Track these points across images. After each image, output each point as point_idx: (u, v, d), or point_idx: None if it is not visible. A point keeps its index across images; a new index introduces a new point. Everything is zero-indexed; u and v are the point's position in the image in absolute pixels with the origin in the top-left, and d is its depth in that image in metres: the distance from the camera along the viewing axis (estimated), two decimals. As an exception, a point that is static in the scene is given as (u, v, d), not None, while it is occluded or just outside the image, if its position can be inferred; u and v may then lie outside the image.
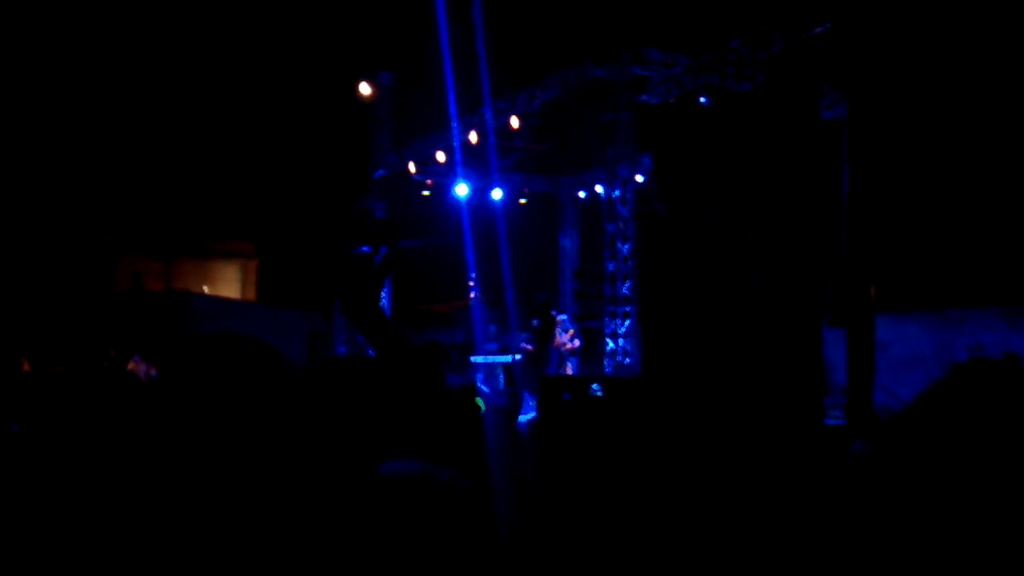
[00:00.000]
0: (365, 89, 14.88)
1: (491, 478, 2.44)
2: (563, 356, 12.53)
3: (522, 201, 14.81)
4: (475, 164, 13.70)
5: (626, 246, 11.00)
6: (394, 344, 2.42)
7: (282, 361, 1.88)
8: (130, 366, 9.59)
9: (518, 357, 12.42)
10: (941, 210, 9.85)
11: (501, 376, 12.09)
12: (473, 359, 12.45)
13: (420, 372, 2.41)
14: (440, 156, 13.44)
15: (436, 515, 1.60)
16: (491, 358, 12.40)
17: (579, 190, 14.99)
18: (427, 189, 14.52)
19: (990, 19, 9.19)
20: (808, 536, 1.98)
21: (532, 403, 10.23)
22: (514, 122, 11.83)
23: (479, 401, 3.00)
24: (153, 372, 10.67)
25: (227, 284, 28.78)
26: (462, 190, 13.82)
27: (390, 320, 2.66)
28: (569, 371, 12.38)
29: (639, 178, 11.06)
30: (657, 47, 10.48)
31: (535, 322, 12.35)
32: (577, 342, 12.69)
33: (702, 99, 9.83)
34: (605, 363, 11.56)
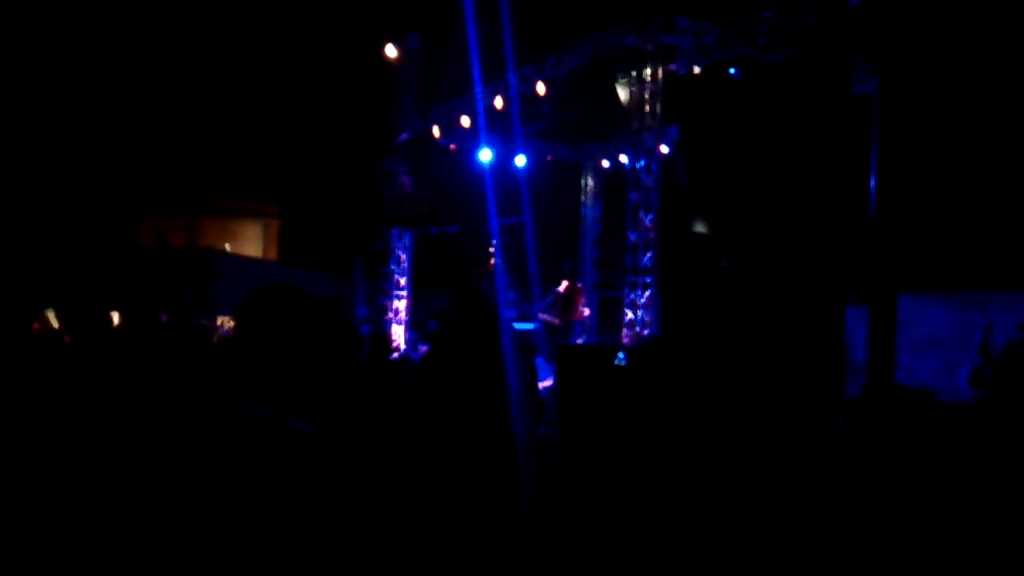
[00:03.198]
0: (391, 51, 14.81)
1: (514, 435, 2.48)
2: (578, 326, 12.58)
3: (548, 158, 14.76)
4: (499, 130, 13.64)
5: (649, 216, 10.95)
6: (481, 310, 2.50)
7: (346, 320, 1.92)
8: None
9: (537, 324, 12.46)
10: (969, 190, 9.74)
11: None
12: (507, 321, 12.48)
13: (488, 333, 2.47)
14: (465, 121, 13.39)
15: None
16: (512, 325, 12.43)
17: (603, 159, 14.90)
18: (451, 154, 14.50)
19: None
20: (803, 498, 1.99)
21: (549, 371, 10.28)
22: (540, 88, 11.75)
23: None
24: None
25: (249, 243, 29.02)
26: (486, 156, 13.78)
27: (479, 291, 2.76)
28: (579, 341, 12.42)
29: (664, 149, 10.97)
30: (688, 16, 10.35)
31: (559, 290, 12.37)
32: (586, 311, 12.71)
33: (731, 70, 9.73)
34: (623, 333, 11.56)
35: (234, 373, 1.76)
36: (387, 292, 15.66)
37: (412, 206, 15.01)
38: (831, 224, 8.18)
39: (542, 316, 12.37)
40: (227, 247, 26.51)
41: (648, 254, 10.99)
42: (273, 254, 29.36)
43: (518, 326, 12.44)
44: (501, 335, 2.70)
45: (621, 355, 8.14)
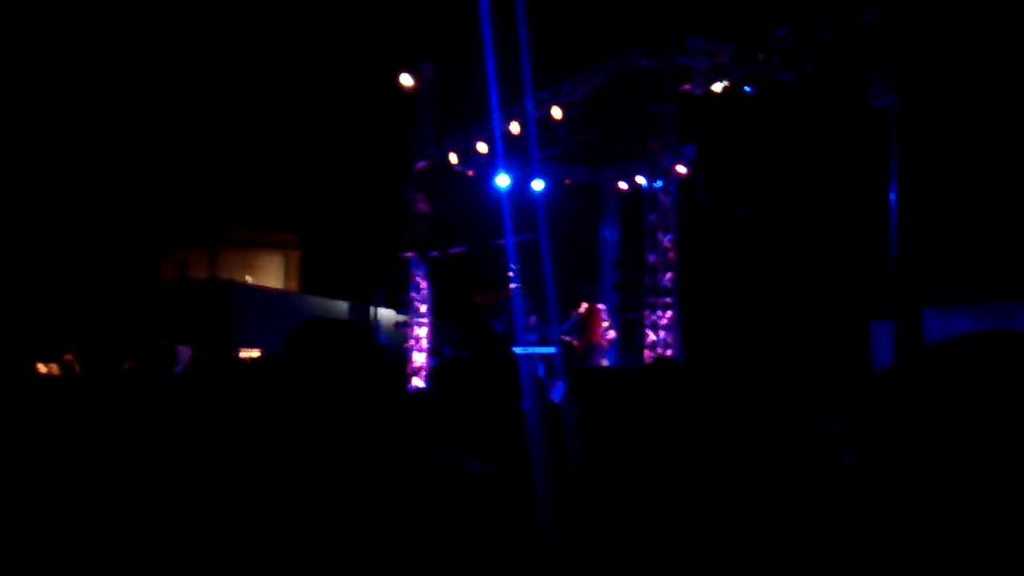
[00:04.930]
0: (407, 80, 14.94)
1: (532, 465, 2.46)
2: (601, 348, 12.52)
3: (566, 181, 14.82)
4: (516, 154, 13.69)
5: (667, 237, 10.92)
6: (484, 339, 2.48)
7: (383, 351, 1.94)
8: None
9: (557, 348, 12.43)
10: (991, 202, 9.66)
11: (541, 367, 12.10)
12: (513, 350, 12.43)
13: (503, 364, 2.45)
14: (481, 147, 13.45)
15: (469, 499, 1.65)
16: (531, 349, 12.42)
17: (621, 181, 14.91)
18: (468, 180, 14.57)
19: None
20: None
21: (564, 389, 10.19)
22: (556, 112, 11.80)
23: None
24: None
25: (270, 274, 29.18)
26: (503, 181, 13.82)
27: (484, 317, 2.73)
28: (604, 364, 12.37)
29: (682, 169, 10.96)
30: (702, 36, 10.38)
31: (579, 312, 12.36)
32: (612, 334, 12.66)
33: (747, 89, 9.73)
34: (645, 355, 11.50)
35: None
36: (408, 320, 15.67)
37: (414, 231, 15.08)
38: (853, 239, 8.13)
39: (564, 337, 12.35)
40: (248, 279, 26.67)
41: (668, 275, 10.95)
42: (294, 285, 29.51)
43: (539, 350, 12.42)
44: (513, 365, 2.69)
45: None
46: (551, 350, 12.46)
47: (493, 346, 2.84)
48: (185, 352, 12.30)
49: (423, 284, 15.56)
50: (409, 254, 15.58)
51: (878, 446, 1.74)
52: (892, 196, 8.04)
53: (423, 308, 15.54)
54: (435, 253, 14.82)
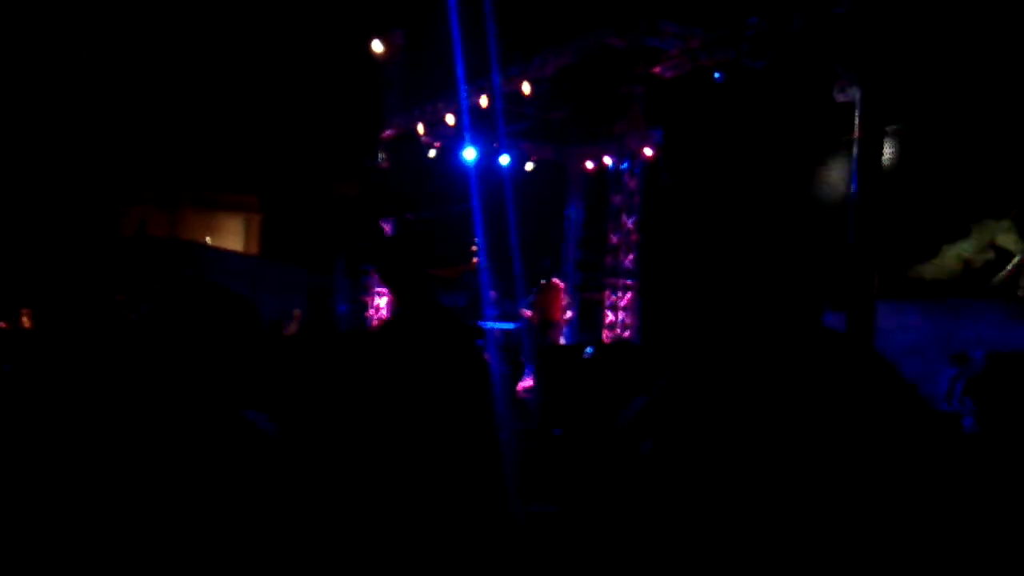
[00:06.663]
0: (377, 47, 14.78)
1: (501, 436, 2.48)
2: (559, 326, 12.60)
3: (528, 166, 14.79)
4: (484, 129, 13.64)
5: (631, 219, 10.99)
6: (426, 308, 2.47)
7: (258, 314, 1.91)
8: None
9: (519, 324, 12.49)
10: (946, 199, 9.85)
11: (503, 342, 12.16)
12: (477, 324, 12.47)
13: (449, 335, 2.45)
14: (449, 119, 13.39)
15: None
16: (493, 324, 12.46)
17: (587, 160, 14.93)
18: (434, 151, 14.50)
19: (1007, 8, 9.12)
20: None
21: (531, 370, 10.28)
22: (525, 88, 11.76)
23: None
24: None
25: (231, 236, 28.85)
26: (470, 154, 13.78)
27: (427, 287, 2.68)
28: (561, 341, 12.45)
29: (648, 151, 11.01)
30: (674, 20, 10.39)
31: (535, 289, 12.42)
32: (570, 313, 12.74)
33: (716, 75, 9.78)
34: (604, 335, 11.61)
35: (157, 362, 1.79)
36: (369, 289, 15.63)
37: (379, 196, 15.02)
38: (812, 228, 8.25)
39: (525, 312, 12.42)
40: (208, 240, 26.37)
41: (630, 256, 11.03)
42: (254, 248, 29.24)
43: (501, 325, 12.47)
44: (461, 337, 2.68)
45: (589, 349, 8.16)
46: (511, 326, 12.51)
47: (434, 316, 2.78)
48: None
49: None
50: (385, 221, 15.46)
51: (682, 430, 1.76)
52: (853, 187, 8.15)
53: (385, 278, 15.45)
54: (411, 216, 14.76)
